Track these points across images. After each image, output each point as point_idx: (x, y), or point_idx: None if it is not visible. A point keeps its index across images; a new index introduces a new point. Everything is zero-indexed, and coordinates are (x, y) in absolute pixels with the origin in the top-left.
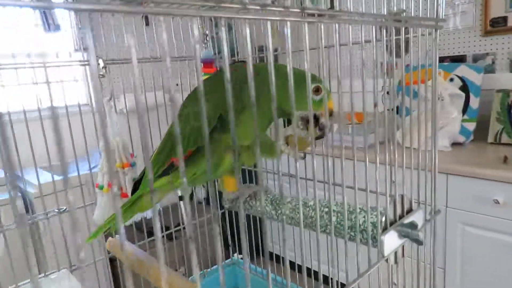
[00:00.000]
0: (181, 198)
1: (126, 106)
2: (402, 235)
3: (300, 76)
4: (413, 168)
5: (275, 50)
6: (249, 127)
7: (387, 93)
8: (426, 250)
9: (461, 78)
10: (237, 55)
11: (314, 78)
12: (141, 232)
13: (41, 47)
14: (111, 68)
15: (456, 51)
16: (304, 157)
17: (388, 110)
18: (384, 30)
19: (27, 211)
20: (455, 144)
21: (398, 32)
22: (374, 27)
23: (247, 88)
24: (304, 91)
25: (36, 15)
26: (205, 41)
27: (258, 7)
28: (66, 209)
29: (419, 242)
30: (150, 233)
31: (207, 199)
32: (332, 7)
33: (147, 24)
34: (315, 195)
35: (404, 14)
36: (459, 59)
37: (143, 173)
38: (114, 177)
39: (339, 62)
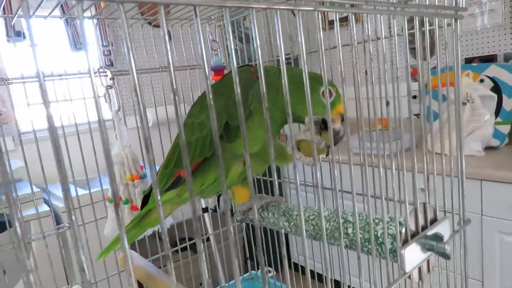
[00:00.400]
0: (204, 210)
1: (136, 118)
2: (426, 248)
3: (308, 78)
4: (436, 173)
5: (287, 54)
6: (257, 133)
7: (414, 97)
8: (457, 263)
9: (492, 79)
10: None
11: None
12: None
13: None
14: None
15: (485, 51)
16: (314, 164)
17: (415, 115)
18: (394, 20)
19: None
20: (488, 148)
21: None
22: (381, 17)
23: (253, 93)
24: (313, 95)
25: (64, 34)
26: (215, 48)
27: None
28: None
29: (445, 256)
30: (174, 245)
31: (231, 210)
32: None
33: (170, 38)
34: (320, 203)
35: (416, 1)
36: (489, 59)
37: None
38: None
39: (341, 60)
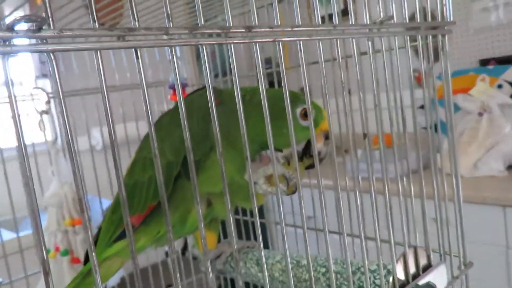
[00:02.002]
0: (168, 254)
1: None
2: None
3: (279, 99)
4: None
5: (269, 68)
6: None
7: (421, 107)
8: None
9: None
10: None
11: (298, 99)
12: None
13: None
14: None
15: (502, 51)
16: (289, 193)
17: (423, 128)
18: (370, 42)
19: None
20: None
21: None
22: (354, 40)
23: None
24: (285, 121)
25: None
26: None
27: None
28: (2, 281)
29: None
30: None
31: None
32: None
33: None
34: (286, 251)
35: (394, 20)
36: (507, 61)
37: (99, 232)
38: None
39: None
